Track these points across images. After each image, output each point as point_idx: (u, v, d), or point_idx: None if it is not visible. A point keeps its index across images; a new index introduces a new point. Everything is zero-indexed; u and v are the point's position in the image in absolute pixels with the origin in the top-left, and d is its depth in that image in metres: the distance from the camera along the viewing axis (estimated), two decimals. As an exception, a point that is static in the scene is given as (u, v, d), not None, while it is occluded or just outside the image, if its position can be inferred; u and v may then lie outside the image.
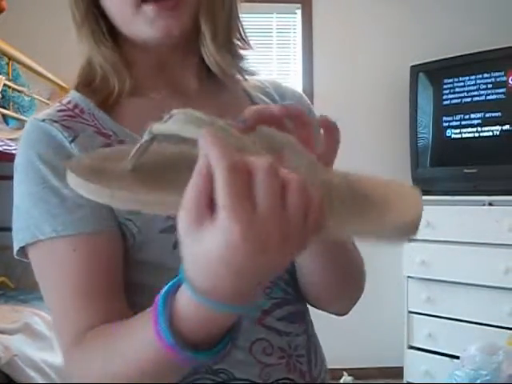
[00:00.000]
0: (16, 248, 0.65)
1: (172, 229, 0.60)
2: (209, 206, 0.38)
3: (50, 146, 0.64)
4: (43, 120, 0.66)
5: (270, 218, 0.37)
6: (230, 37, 0.72)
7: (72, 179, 0.45)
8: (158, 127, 0.45)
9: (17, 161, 0.66)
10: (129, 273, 0.64)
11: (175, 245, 0.61)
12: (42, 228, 0.61)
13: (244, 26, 0.75)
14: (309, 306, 0.75)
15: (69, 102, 0.69)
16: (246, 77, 0.76)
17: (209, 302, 0.42)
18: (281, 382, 0.65)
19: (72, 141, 0.64)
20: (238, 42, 0.74)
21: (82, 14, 0.68)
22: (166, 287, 0.46)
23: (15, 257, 0.65)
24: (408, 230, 0.46)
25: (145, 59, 0.72)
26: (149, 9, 0.62)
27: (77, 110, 0.68)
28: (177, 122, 0.43)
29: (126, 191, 0.42)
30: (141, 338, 0.49)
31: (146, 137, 0.46)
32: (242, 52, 0.75)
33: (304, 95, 0.84)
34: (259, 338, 0.65)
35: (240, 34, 0.75)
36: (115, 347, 0.54)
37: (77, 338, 0.59)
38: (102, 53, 0.68)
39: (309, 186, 0.39)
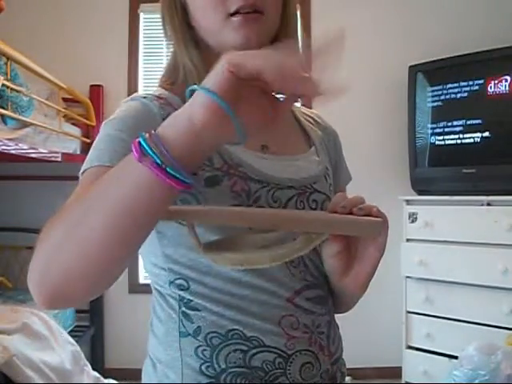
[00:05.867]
0: (80, 174, 0.73)
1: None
2: None
3: (142, 116, 0.75)
4: (144, 97, 0.78)
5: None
6: None
7: (210, 257, 0.65)
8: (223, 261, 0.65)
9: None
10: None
11: None
12: (102, 158, 0.71)
13: None
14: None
15: (160, 95, 0.80)
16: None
17: (215, 96, 0.52)
18: (303, 352, 0.76)
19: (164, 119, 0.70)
20: None
21: (176, 25, 0.82)
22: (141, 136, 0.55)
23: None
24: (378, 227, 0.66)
25: None
26: (236, 19, 0.76)
27: (166, 102, 0.79)
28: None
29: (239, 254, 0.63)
30: (123, 167, 0.57)
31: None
32: None
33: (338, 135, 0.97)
34: (288, 314, 0.76)
35: None
36: (101, 183, 0.59)
37: None
38: (189, 55, 0.81)
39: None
